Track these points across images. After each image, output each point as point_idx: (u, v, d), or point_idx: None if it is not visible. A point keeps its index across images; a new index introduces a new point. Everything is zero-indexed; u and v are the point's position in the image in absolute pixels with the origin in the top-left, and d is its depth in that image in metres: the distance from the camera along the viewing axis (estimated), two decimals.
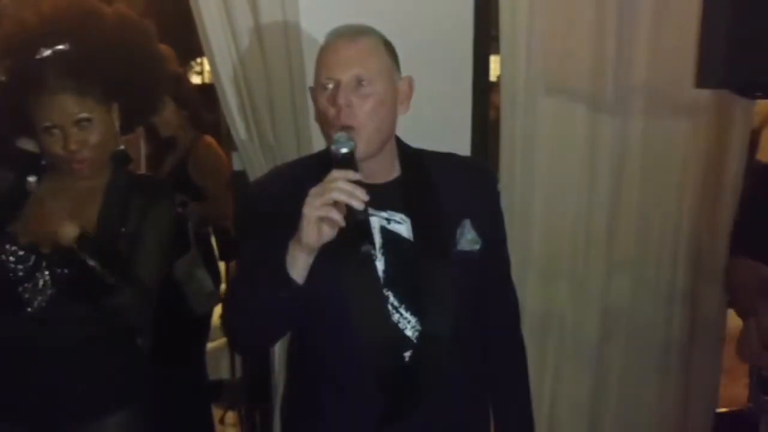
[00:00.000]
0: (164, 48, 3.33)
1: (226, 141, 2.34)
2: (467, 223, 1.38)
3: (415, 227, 1.36)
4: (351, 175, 1.19)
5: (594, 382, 2.18)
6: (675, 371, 2.24)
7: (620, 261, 2.13)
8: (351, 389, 1.36)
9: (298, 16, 1.76)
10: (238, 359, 3.04)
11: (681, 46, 1.99)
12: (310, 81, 1.79)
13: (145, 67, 1.69)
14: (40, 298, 1.56)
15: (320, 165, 1.29)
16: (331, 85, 1.29)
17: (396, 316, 1.34)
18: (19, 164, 1.68)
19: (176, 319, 2.40)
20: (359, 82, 1.28)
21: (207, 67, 5.17)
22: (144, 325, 1.66)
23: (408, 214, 1.36)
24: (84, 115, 1.58)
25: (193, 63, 5.23)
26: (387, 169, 1.39)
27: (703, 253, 2.21)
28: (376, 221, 1.35)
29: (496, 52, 2.01)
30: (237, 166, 1.94)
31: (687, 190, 2.14)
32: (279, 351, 1.97)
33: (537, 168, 2.02)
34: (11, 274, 1.56)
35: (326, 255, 1.23)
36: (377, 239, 1.35)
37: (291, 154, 1.78)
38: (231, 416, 3.24)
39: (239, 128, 1.79)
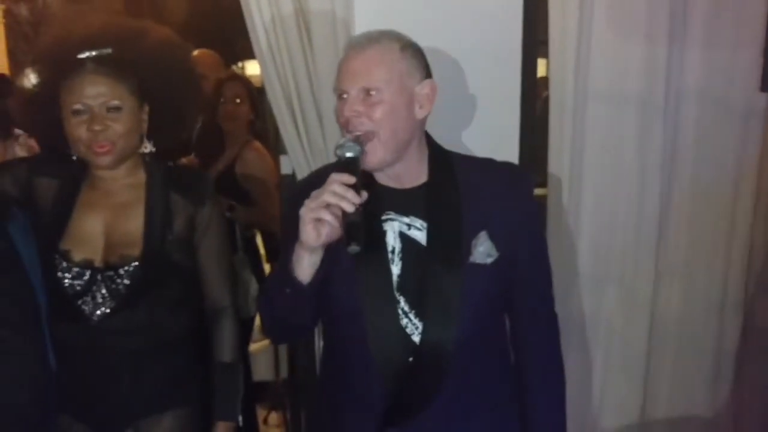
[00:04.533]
0: (211, 53, 3.42)
1: (274, 145, 2.37)
2: (483, 235, 1.38)
3: (430, 234, 1.37)
4: (346, 178, 1.23)
5: (643, 391, 2.14)
6: (727, 382, 2.19)
7: (670, 267, 2.09)
8: (361, 389, 1.40)
9: (348, 19, 1.78)
10: (282, 360, 3.07)
11: (735, 49, 1.95)
12: None
13: (180, 85, 1.70)
14: (99, 311, 1.58)
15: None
16: (344, 96, 1.35)
17: (405, 321, 1.36)
18: (61, 171, 1.67)
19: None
20: (367, 92, 1.32)
21: (248, 71, 5.25)
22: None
23: (427, 221, 1.38)
24: (115, 102, 1.56)
25: (234, 67, 5.32)
26: (414, 174, 1.41)
27: (756, 261, 2.15)
28: (396, 226, 1.38)
29: (544, 55, 2.00)
30: (285, 169, 1.96)
31: (740, 196, 2.09)
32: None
33: (585, 173, 1.99)
34: (69, 291, 1.57)
35: (344, 257, 1.27)
36: (396, 244, 1.37)
37: None
38: (275, 417, 3.27)
39: (289, 131, 1.81)
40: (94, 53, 1.56)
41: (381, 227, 1.39)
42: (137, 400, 1.64)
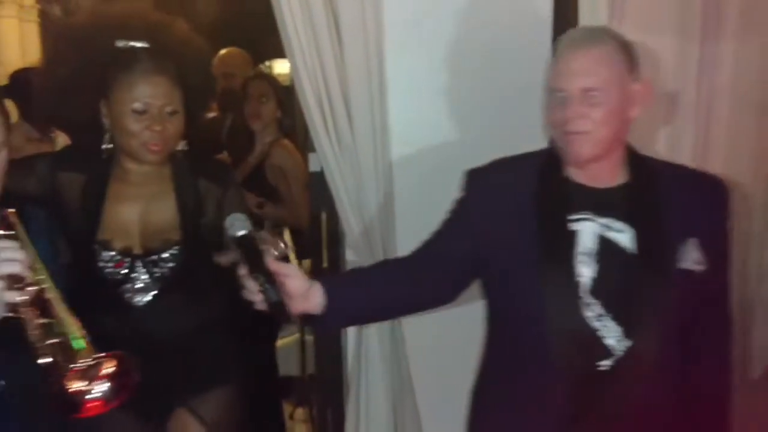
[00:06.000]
0: (239, 51, 3.45)
1: (303, 142, 2.39)
2: (693, 242, 1.33)
3: (638, 239, 1.32)
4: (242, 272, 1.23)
5: None
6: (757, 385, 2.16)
7: None
8: (540, 390, 1.35)
9: (377, 15, 1.78)
10: (308, 356, 3.09)
11: None
12: (389, 81, 1.83)
13: (201, 80, 1.73)
14: (139, 297, 1.63)
15: (545, 163, 1.36)
16: (561, 94, 1.31)
17: (598, 324, 1.31)
18: (86, 165, 1.70)
19: (250, 316, 2.45)
20: (588, 92, 1.29)
21: (276, 70, 5.28)
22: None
23: (631, 224, 1.33)
24: (172, 108, 1.61)
25: (261, 66, 5.35)
26: (611, 174, 1.37)
27: None
28: (593, 227, 1.34)
29: None
30: (314, 166, 1.97)
31: None
32: (352, 350, 2.00)
33: None
34: (110, 279, 1.62)
35: (527, 259, 1.29)
36: (593, 245, 1.33)
37: (368, 154, 1.82)
38: (301, 412, 3.30)
39: (318, 129, 1.81)
40: (131, 44, 1.60)
41: (568, 228, 1.34)
42: (183, 382, 1.69)
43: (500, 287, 1.38)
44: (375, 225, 1.87)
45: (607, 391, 1.32)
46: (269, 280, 1.20)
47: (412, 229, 1.92)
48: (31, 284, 1.17)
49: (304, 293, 1.29)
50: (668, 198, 1.35)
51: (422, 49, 1.90)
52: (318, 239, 2.22)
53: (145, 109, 1.59)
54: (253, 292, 1.22)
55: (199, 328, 1.68)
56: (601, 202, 1.33)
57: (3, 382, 1.21)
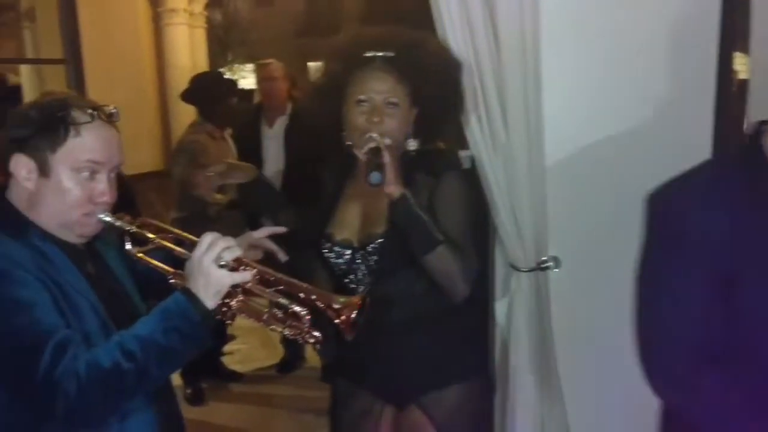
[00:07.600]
0: None
1: (454, 140, 2.40)
2: None
3: None
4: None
5: None
6: None
7: None
8: None
9: (534, 13, 1.77)
10: None
11: None
12: (544, 80, 1.81)
13: (449, 93, 1.78)
14: (362, 287, 1.74)
15: (752, 173, 1.25)
16: None
17: None
18: (335, 168, 1.90)
19: None
20: None
21: None
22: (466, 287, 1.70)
23: None
24: (394, 99, 1.71)
25: None
26: None
27: None
28: None
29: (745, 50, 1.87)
30: (464, 164, 1.99)
31: None
32: (498, 355, 2.01)
33: None
34: (336, 269, 1.77)
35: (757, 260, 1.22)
36: None
37: (522, 153, 1.81)
38: None
39: (473, 127, 1.83)
40: (379, 54, 1.73)
41: None
42: (413, 375, 1.76)
43: (749, 309, 1.25)
44: (527, 223, 1.86)
45: None
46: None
47: (565, 228, 1.91)
48: (249, 265, 1.27)
49: None
50: None
51: (579, 48, 1.87)
52: None
53: (367, 99, 1.70)
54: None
55: (421, 322, 1.72)
56: None
57: None
